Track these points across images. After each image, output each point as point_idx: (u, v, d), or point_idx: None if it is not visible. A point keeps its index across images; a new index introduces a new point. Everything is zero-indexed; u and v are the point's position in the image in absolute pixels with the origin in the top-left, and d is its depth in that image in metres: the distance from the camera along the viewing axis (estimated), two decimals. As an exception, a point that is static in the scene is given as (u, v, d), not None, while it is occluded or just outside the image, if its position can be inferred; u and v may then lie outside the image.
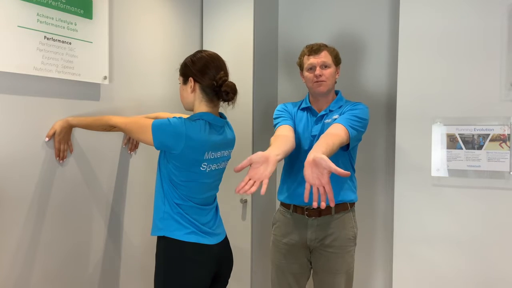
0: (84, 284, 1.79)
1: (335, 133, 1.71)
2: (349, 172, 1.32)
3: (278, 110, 2.02)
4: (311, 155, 1.39)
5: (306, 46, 1.99)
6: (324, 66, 1.91)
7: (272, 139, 1.76)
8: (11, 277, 1.50)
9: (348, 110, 1.88)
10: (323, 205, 1.33)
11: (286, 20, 2.73)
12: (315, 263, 1.95)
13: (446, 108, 2.02)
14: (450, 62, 2.01)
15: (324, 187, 1.34)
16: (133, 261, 2.05)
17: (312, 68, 1.92)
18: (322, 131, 1.87)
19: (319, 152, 1.41)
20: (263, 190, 1.37)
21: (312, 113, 1.97)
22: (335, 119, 1.87)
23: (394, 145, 2.13)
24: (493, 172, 1.94)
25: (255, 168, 1.41)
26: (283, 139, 1.75)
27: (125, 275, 2.00)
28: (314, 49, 1.93)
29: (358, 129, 1.81)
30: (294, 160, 1.94)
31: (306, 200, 1.36)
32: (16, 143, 1.50)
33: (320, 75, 1.89)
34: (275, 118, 1.99)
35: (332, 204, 1.33)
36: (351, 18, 2.56)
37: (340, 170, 1.31)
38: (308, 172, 1.37)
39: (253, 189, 1.37)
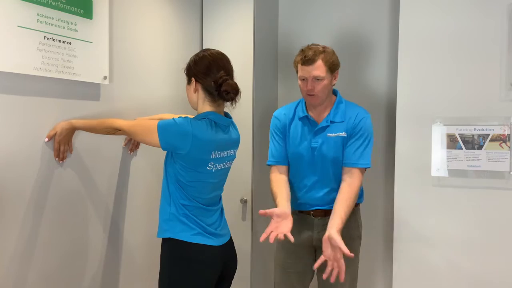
0: (83, 285, 1.79)
1: (352, 196, 1.82)
2: (352, 254, 1.60)
3: (273, 130, 2.00)
4: (327, 233, 1.66)
5: (301, 50, 1.87)
6: (317, 79, 1.82)
7: (274, 186, 1.95)
8: (10, 276, 1.50)
9: (356, 138, 1.86)
10: (333, 278, 1.61)
11: (286, 20, 2.73)
12: None
13: (446, 108, 2.02)
14: (450, 62, 2.01)
15: (337, 263, 1.61)
16: (133, 262, 2.05)
17: (304, 80, 1.84)
18: (323, 144, 1.87)
19: (333, 229, 1.66)
20: (291, 237, 1.64)
21: (311, 123, 1.92)
22: (343, 136, 1.85)
23: (394, 145, 2.13)
24: (493, 172, 1.94)
25: (277, 222, 1.68)
26: (284, 190, 1.91)
27: (125, 276, 2.00)
28: (307, 60, 1.81)
29: (370, 155, 1.89)
30: (296, 172, 1.94)
31: (315, 267, 1.68)
32: (16, 143, 1.50)
33: (311, 89, 1.82)
34: (270, 139, 2.01)
35: (342, 279, 1.62)
36: (351, 18, 2.55)
37: (346, 251, 1.59)
38: (326, 249, 1.65)
39: (278, 236, 1.64)
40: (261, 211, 1.66)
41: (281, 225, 1.68)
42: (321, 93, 1.84)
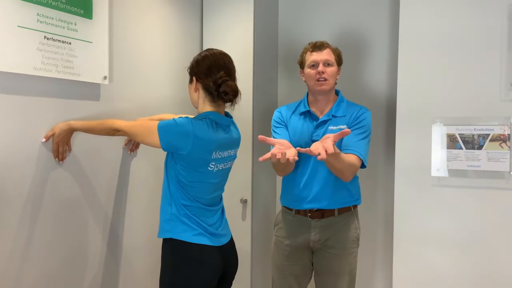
0: (83, 287, 1.79)
1: (350, 159, 1.77)
2: (349, 130, 1.48)
3: (275, 122, 2.00)
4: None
5: (309, 43, 1.96)
6: (327, 64, 1.88)
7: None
8: (8, 277, 1.50)
9: (356, 128, 1.86)
10: (322, 154, 1.40)
11: (286, 20, 2.73)
12: (318, 265, 1.94)
13: (446, 108, 2.02)
14: (450, 62, 2.01)
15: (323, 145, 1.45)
16: (134, 263, 2.05)
17: (314, 65, 1.89)
18: None
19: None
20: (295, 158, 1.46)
21: (312, 117, 1.94)
22: (342, 129, 1.85)
23: (394, 145, 2.13)
24: (493, 172, 1.94)
25: (279, 149, 1.47)
26: None
27: (125, 277, 2.00)
28: (317, 45, 1.90)
29: (367, 151, 1.87)
30: (296, 166, 1.93)
31: (300, 150, 1.46)
32: (16, 143, 1.50)
33: (323, 72, 1.86)
34: (273, 131, 1.99)
35: (331, 150, 1.43)
36: (351, 18, 2.56)
37: (339, 134, 1.47)
38: (315, 145, 1.49)
39: (280, 156, 1.42)
40: (261, 136, 1.47)
41: (285, 151, 1.47)
42: (331, 79, 1.89)
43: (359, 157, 1.81)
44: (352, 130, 1.85)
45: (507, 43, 1.91)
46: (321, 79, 1.87)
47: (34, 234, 1.57)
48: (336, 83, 1.96)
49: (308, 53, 1.93)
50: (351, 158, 1.78)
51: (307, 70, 1.92)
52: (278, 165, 1.87)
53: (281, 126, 1.98)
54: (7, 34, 1.42)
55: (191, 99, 1.66)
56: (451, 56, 2.01)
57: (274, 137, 1.97)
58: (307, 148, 1.46)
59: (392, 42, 2.43)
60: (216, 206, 1.66)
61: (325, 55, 1.89)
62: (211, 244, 1.57)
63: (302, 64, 1.97)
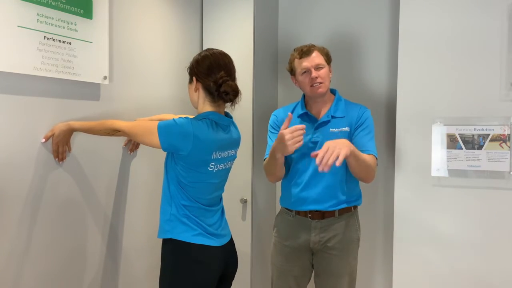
0: (83, 287, 1.79)
1: (370, 159, 1.82)
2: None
3: (270, 127, 2.01)
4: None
5: (295, 49, 1.94)
6: (318, 67, 1.87)
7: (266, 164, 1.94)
8: (7, 278, 1.50)
9: (363, 128, 1.87)
10: (332, 158, 1.55)
11: (286, 20, 2.73)
12: (318, 266, 1.94)
13: (446, 108, 2.02)
14: (450, 62, 2.01)
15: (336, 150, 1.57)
16: (133, 264, 2.05)
17: (306, 72, 1.87)
18: (326, 139, 1.83)
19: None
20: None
21: (310, 119, 1.93)
22: (347, 131, 1.86)
23: (394, 145, 2.13)
24: (493, 172, 1.94)
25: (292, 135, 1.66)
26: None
27: (125, 277, 2.00)
28: (304, 51, 1.88)
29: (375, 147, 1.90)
30: (296, 167, 1.93)
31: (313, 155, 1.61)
32: (16, 143, 1.50)
33: (317, 77, 1.85)
34: (268, 137, 2.00)
35: (339, 159, 1.56)
36: (351, 18, 2.56)
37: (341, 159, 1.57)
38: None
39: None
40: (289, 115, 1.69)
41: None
42: (326, 81, 1.88)
43: (375, 157, 1.85)
44: (360, 131, 1.87)
45: (507, 43, 1.91)
46: (315, 84, 1.86)
47: (34, 234, 1.57)
48: (330, 81, 1.95)
49: (296, 60, 1.90)
50: (370, 158, 1.81)
51: (300, 78, 1.90)
52: (269, 168, 1.91)
53: (276, 131, 1.97)
54: (7, 34, 1.42)
55: (191, 99, 1.66)
56: (451, 56, 2.01)
57: (269, 143, 1.98)
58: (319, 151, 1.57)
59: (392, 42, 2.43)
60: (216, 206, 1.66)
61: (315, 59, 1.86)
62: (211, 245, 1.57)
63: (292, 71, 1.95)
